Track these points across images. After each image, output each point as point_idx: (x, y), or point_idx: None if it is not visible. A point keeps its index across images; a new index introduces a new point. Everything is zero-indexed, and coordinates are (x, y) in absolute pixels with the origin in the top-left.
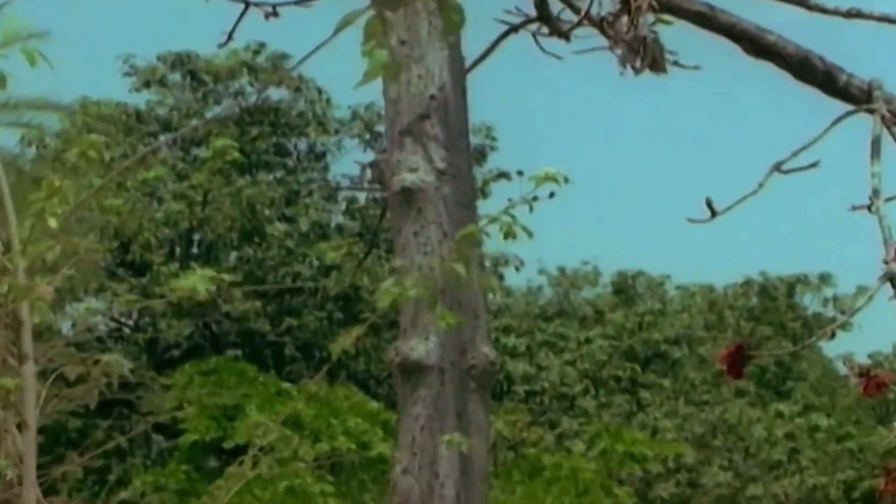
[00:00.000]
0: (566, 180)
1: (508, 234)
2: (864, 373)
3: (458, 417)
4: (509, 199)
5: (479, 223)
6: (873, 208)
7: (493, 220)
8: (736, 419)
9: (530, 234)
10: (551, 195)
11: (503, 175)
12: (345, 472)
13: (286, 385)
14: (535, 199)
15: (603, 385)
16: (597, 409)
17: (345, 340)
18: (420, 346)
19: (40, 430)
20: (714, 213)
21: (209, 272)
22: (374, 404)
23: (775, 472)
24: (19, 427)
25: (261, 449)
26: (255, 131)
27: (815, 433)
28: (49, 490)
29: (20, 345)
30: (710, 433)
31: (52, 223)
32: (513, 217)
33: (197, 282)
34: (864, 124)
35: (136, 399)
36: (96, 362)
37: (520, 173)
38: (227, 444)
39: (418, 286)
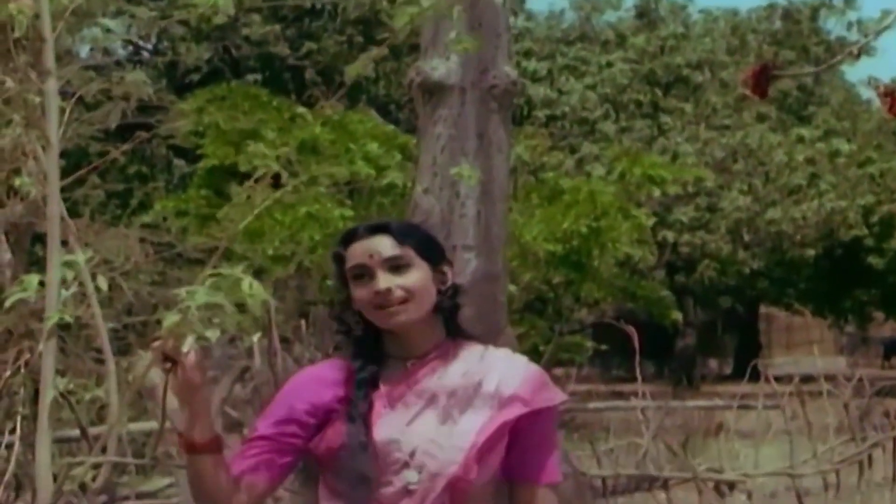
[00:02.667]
0: None
1: None
2: (889, 92)
3: (478, 138)
4: None
5: None
6: None
7: None
8: (756, 144)
9: None
10: None
11: None
12: (363, 196)
13: (301, 109)
14: None
15: (624, 109)
16: (617, 133)
17: (362, 63)
18: (441, 66)
19: (61, 154)
20: None
21: None
22: (390, 128)
23: (794, 197)
24: (42, 147)
25: (275, 176)
26: None
27: (835, 158)
28: (70, 212)
29: (42, 61)
30: (730, 158)
31: None
32: None
33: None
34: None
35: (155, 123)
36: (121, 80)
37: None
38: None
39: (436, 2)
